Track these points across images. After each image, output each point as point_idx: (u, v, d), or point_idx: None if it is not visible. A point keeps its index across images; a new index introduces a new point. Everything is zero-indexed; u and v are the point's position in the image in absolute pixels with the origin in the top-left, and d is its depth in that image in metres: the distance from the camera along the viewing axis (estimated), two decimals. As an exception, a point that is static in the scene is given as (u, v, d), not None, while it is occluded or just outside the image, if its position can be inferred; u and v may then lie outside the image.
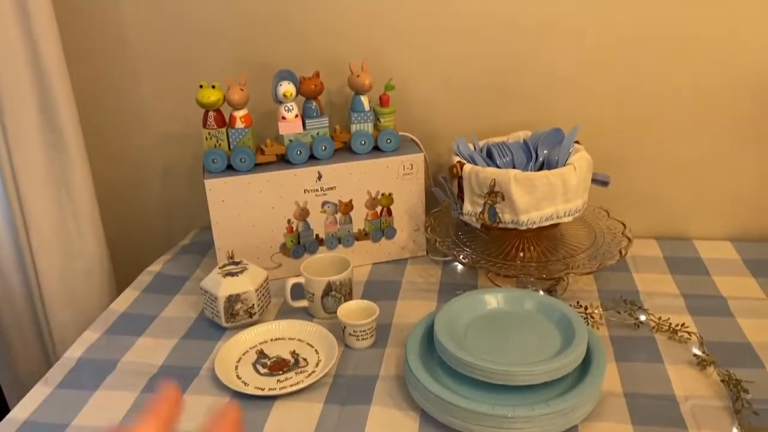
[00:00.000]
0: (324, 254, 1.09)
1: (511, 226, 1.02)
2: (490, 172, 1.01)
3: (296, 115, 1.10)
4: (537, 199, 0.99)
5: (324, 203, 1.13)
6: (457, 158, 1.08)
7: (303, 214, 1.13)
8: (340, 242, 1.17)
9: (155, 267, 1.21)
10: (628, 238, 1.06)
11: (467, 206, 1.06)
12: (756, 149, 1.17)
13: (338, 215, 1.14)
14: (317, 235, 1.15)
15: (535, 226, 1.01)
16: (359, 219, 1.16)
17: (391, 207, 1.16)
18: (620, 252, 1.03)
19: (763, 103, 1.13)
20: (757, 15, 1.08)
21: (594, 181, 1.09)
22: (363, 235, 1.17)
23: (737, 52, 1.10)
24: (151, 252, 1.30)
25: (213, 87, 1.06)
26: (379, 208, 1.16)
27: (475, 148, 1.13)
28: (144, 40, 1.23)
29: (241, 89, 1.07)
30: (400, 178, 1.14)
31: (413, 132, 1.20)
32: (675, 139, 1.18)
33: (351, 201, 1.14)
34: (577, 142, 1.09)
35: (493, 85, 1.19)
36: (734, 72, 1.12)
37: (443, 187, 1.12)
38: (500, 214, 1.02)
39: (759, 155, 1.17)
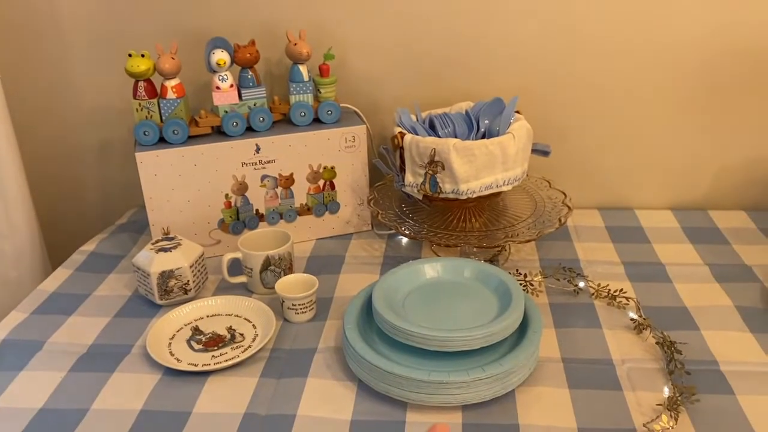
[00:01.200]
0: (264, 229, 1.06)
1: (452, 196, 1.00)
2: (430, 141, 1.00)
3: (231, 85, 1.07)
4: (476, 168, 0.98)
5: (263, 177, 1.10)
6: (399, 129, 1.06)
7: (241, 188, 1.09)
8: (281, 218, 1.14)
9: (89, 246, 1.16)
10: (568, 207, 1.06)
11: (408, 177, 1.04)
12: (695, 120, 1.18)
13: (279, 189, 1.12)
14: (257, 211, 1.12)
15: (475, 196, 1.00)
16: (301, 193, 1.13)
17: (334, 180, 1.14)
18: (560, 220, 1.03)
19: (700, 75, 1.14)
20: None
21: (534, 151, 1.08)
22: (305, 210, 1.15)
23: (677, 23, 1.11)
24: (89, 232, 1.25)
25: (142, 56, 1.02)
26: (321, 182, 1.14)
27: (417, 119, 1.11)
28: (72, 9, 1.17)
29: (172, 57, 1.03)
30: (342, 150, 1.12)
31: (355, 104, 1.17)
32: (616, 110, 1.18)
33: (292, 174, 1.11)
34: (517, 112, 1.08)
35: (436, 55, 1.17)
36: (673, 43, 1.12)
37: (385, 159, 1.10)
38: (441, 184, 1.00)
39: (698, 126, 1.18)
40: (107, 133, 1.28)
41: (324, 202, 1.15)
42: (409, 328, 0.77)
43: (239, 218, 1.12)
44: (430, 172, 1.01)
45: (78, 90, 1.24)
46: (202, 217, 1.09)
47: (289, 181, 1.12)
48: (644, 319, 0.89)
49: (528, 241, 1.01)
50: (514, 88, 1.14)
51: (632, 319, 0.90)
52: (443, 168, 0.99)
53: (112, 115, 1.26)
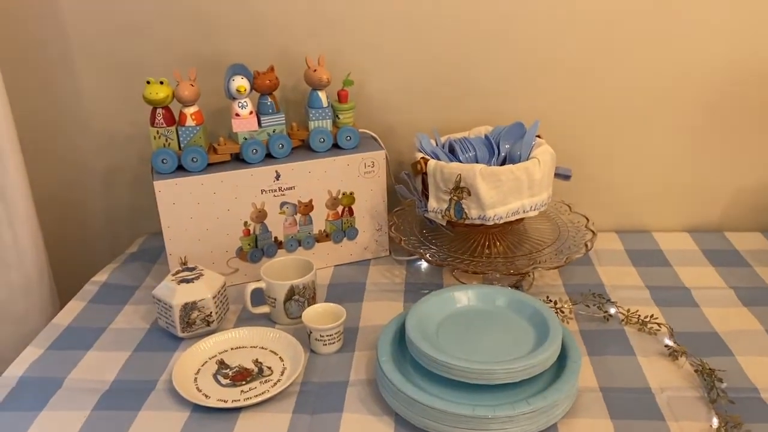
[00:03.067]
0: (284, 257, 1.04)
1: (478, 221, 0.99)
2: (455, 167, 0.99)
3: (251, 112, 1.05)
4: (503, 193, 0.97)
5: (283, 204, 1.08)
6: (421, 154, 1.05)
7: (260, 215, 1.07)
8: (300, 244, 1.12)
9: (101, 276, 1.13)
10: (592, 232, 1.05)
11: (432, 203, 1.03)
12: (711, 142, 1.18)
13: (298, 216, 1.10)
14: (276, 238, 1.10)
15: (501, 221, 0.99)
16: (320, 220, 1.11)
17: (353, 206, 1.13)
18: (586, 245, 1.02)
19: (716, 99, 1.15)
20: (718, 10, 1.09)
21: (556, 175, 1.08)
22: (324, 237, 1.13)
23: (697, 46, 1.12)
24: (96, 261, 1.23)
25: (161, 83, 1.00)
26: (340, 208, 1.12)
27: (437, 144, 1.11)
28: (83, 35, 1.15)
29: (191, 84, 1.01)
30: (361, 176, 1.11)
31: (372, 129, 1.16)
32: (632, 133, 1.19)
33: (311, 201, 1.10)
34: (538, 136, 1.08)
35: (452, 80, 1.17)
36: (693, 67, 1.13)
37: (407, 184, 1.09)
38: (467, 210, 0.99)
39: (715, 148, 1.19)
40: (114, 159, 1.26)
41: (342, 228, 1.13)
42: (449, 361, 0.76)
43: (258, 246, 1.09)
44: (455, 198, 1.00)
45: (86, 115, 1.22)
46: (220, 246, 1.07)
47: (308, 207, 1.10)
48: (679, 345, 0.88)
49: (556, 267, 1.00)
50: (531, 112, 1.14)
51: (667, 346, 0.89)
52: (469, 194, 0.98)
53: (119, 141, 1.23)
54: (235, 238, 1.08)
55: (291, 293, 0.97)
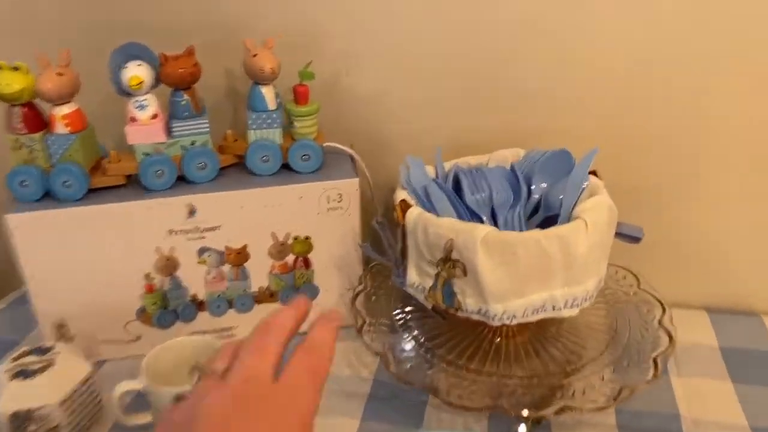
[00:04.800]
0: (183, 338, 0.69)
1: (476, 317, 0.62)
2: (447, 226, 0.61)
3: (154, 115, 0.71)
4: (519, 278, 0.59)
5: (202, 250, 0.74)
6: (403, 195, 0.68)
7: (169, 265, 0.74)
8: (231, 306, 0.78)
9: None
10: (670, 336, 0.66)
11: (412, 275, 0.66)
12: None
13: (226, 267, 0.76)
14: (195, 296, 0.77)
15: (514, 322, 0.61)
16: (260, 273, 0.77)
17: (309, 256, 0.77)
18: (655, 362, 0.63)
19: None
20: None
21: (620, 235, 0.68)
22: (267, 296, 0.79)
23: None
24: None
25: (16, 69, 0.67)
26: (291, 258, 0.77)
27: (437, 174, 0.73)
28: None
29: (60, 73, 0.67)
30: (323, 213, 0.75)
31: (356, 141, 0.80)
32: (729, 169, 0.77)
33: (245, 247, 0.75)
34: (593, 173, 0.69)
35: (474, 74, 0.78)
36: None
37: (387, 237, 0.72)
38: (460, 297, 0.62)
39: None
40: None
41: (295, 284, 0.79)
42: None
43: (168, 306, 0.76)
44: (445, 274, 0.62)
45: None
46: (113, 306, 0.75)
47: (241, 256, 0.75)
48: None
49: (602, 409, 0.60)
50: (585, 135, 0.74)
51: None
52: (464, 272, 0.61)
53: None
54: (133, 296, 0.75)
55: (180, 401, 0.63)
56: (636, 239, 0.69)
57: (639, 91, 0.75)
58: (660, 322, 0.68)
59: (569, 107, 0.77)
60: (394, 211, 0.67)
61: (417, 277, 0.65)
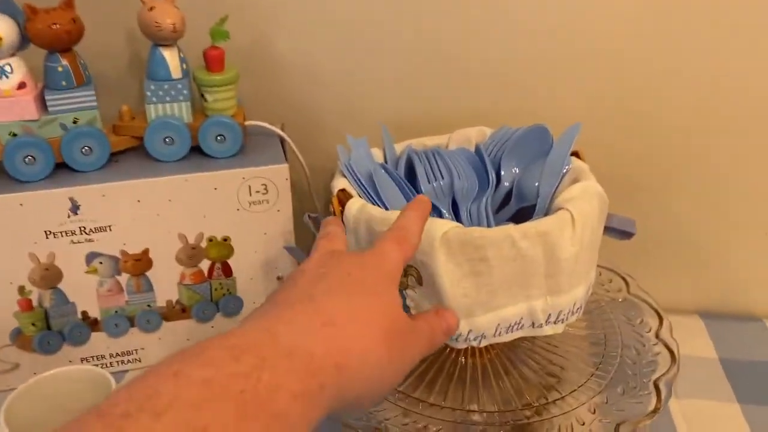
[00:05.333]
0: (69, 367, 0.54)
1: (435, 338, 0.49)
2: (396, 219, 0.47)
3: (21, 84, 0.55)
4: (489, 287, 0.46)
5: (91, 256, 0.59)
6: (343, 182, 0.54)
7: (48, 276, 0.59)
8: (132, 324, 0.63)
9: None
10: (671, 353, 0.53)
11: (353, 283, 0.52)
12: None
13: (124, 277, 0.61)
14: (85, 313, 0.61)
15: (483, 343, 0.48)
16: (167, 283, 0.62)
17: (229, 261, 0.63)
18: (655, 387, 0.50)
19: None
20: None
21: (609, 230, 0.56)
22: (177, 312, 0.64)
23: None
24: None
25: None
26: (206, 264, 0.62)
27: (385, 158, 0.60)
28: None
29: None
30: (243, 209, 0.61)
31: (288, 120, 0.66)
32: (730, 159, 0.65)
33: (146, 252, 0.60)
34: (575, 154, 0.56)
35: (431, 41, 0.65)
36: None
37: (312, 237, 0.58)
38: (414, 312, 0.49)
39: None
40: None
41: (212, 297, 0.64)
42: None
43: (51, 327, 0.61)
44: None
45: None
46: (-24, 327, 0.59)
47: (141, 263, 0.60)
48: None
49: None
50: (568, 111, 0.62)
51: None
52: (419, 281, 0.47)
53: None
54: (5, 315, 0.59)
55: (52, 457, 0.48)
56: (627, 234, 0.56)
57: (627, 63, 0.63)
58: (657, 335, 0.56)
59: (547, 84, 0.64)
60: (330, 203, 0.53)
61: (360, 287, 0.52)
